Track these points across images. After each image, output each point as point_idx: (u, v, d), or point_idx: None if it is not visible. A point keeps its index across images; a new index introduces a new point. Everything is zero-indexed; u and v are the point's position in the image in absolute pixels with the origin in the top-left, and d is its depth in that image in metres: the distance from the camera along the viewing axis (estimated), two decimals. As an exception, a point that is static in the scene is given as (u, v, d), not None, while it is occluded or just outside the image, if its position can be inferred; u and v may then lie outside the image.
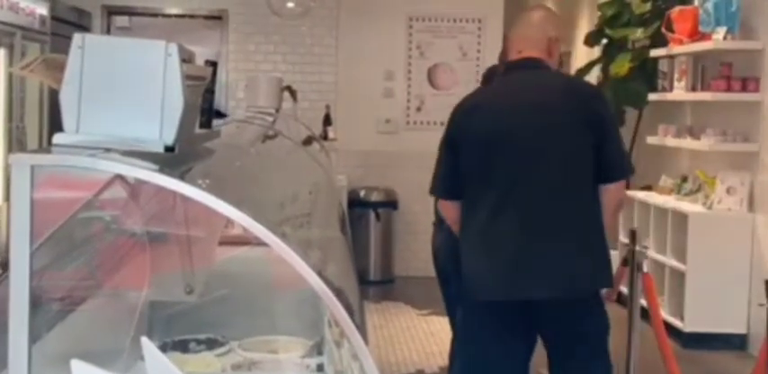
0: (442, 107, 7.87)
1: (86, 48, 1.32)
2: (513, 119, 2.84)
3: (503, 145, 2.82)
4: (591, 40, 7.24)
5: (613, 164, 2.83)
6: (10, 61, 5.34)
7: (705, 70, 5.91)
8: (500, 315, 2.86)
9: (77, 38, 1.32)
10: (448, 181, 2.94)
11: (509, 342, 2.88)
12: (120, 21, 7.85)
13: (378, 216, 7.44)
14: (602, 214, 2.84)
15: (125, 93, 1.32)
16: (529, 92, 2.88)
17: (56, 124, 1.34)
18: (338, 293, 1.30)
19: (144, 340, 1.15)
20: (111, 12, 7.79)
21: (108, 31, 7.67)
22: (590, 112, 2.80)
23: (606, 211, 2.84)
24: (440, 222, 3.71)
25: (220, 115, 3.39)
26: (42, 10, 5.99)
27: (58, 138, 1.30)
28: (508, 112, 2.86)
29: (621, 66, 6.57)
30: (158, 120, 1.31)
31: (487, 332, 2.90)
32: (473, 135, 2.87)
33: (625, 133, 6.99)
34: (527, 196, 2.79)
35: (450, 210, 2.99)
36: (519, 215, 2.78)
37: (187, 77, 1.37)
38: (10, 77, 5.35)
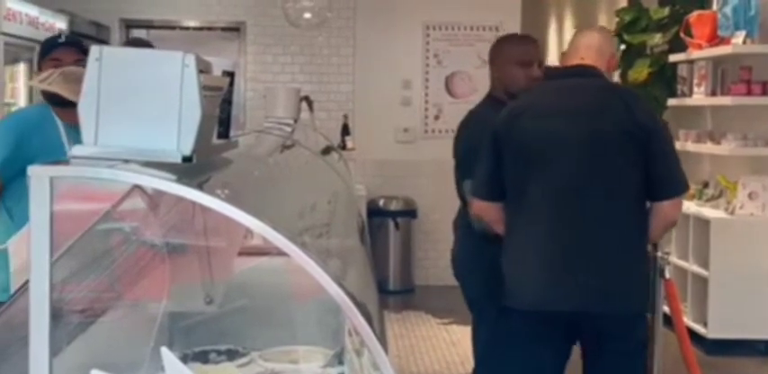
0: (459, 115, 7.79)
1: (104, 60, 1.33)
2: (560, 125, 2.79)
3: (554, 153, 2.78)
4: (608, 47, 7.21)
5: (663, 180, 2.75)
6: (30, 75, 5.39)
7: (724, 75, 5.88)
8: (534, 324, 2.83)
9: (95, 50, 1.33)
10: (491, 183, 2.92)
11: (539, 352, 2.85)
12: (138, 34, 7.90)
13: (397, 225, 7.43)
14: (649, 231, 2.78)
15: (143, 104, 1.32)
16: (583, 99, 2.84)
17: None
18: (358, 303, 1.30)
19: (164, 350, 1.14)
20: (130, 25, 7.84)
21: (126, 45, 7.72)
22: (638, 125, 2.72)
23: (654, 229, 2.79)
24: (455, 228, 3.72)
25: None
26: (61, 24, 6.05)
27: (76, 150, 1.31)
28: (555, 117, 2.82)
29: (640, 71, 6.54)
30: (176, 131, 1.31)
31: (519, 340, 2.87)
32: (519, 139, 2.84)
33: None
34: (570, 207, 2.75)
35: (493, 212, 2.96)
36: (571, 227, 2.75)
37: (204, 88, 1.37)
38: (30, 91, 5.40)
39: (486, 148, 2.92)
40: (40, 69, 3.17)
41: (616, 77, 7.15)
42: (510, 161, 2.85)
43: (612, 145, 2.73)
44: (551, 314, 2.78)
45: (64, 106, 3.09)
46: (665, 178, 2.74)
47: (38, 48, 5.50)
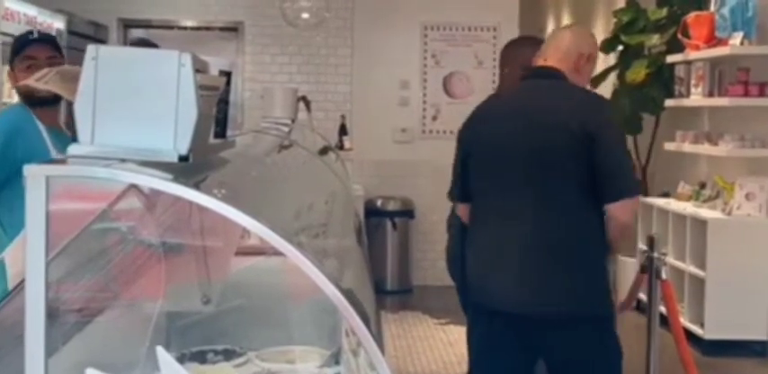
0: (457, 116, 7.84)
1: (100, 59, 1.32)
2: (514, 129, 2.81)
3: (504, 154, 2.82)
4: (606, 47, 7.21)
5: (608, 182, 2.69)
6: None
7: (722, 75, 5.88)
8: (501, 327, 2.84)
9: (91, 49, 1.33)
10: (459, 184, 3.01)
11: (505, 355, 2.86)
12: (137, 34, 7.90)
13: (394, 225, 7.43)
14: (606, 235, 2.75)
15: (139, 103, 1.32)
16: (535, 102, 2.83)
17: (73, 135, 1.34)
18: (354, 303, 1.29)
19: (159, 350, 1.14)
20: (128, 25, 7.84)
21: (124, 45, 7.72)
22: (582, 126, 2.68)
23: (610, 232, 2.75)
24: (448, 227, 3.76)
25: None
26: (59, 24, 6.05)
27: (72, 149, 1.31)
28: (509, 122, 2.84)
29: (638, 72, 6.55)
30: (172, 130, 1.31)
31: (485, 342, 2.92)
32: (479, 142, 2.92)
33: (642, 140, 6.99)
34: (524, 209, 2.75)
35: (465, 212, 3.04)
36: (519, 228, 2.75)
37: (201, 87, 1.37)
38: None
39: (456, 150, 3.04)
40: (12, 68, 3.11)
41: (612, 78, 7.16)
42: (471, 163, 2.94)
43: (558, 147, 2.71)
44: (506, 314, 2.79)
45: (42, 106, 3.06)
46: (610, 180, 2.68)
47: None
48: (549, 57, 2.89)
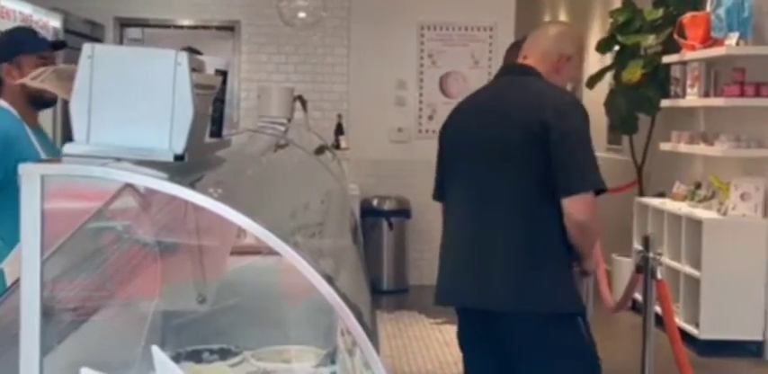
0: (453, 115, 7.89)
1: (96, 58, 1.32)
2: (476, 125, 2.79)
3: (464, 151, 2.81)
4: (603, 47, 7.23)
5: (560, 176, 2.59)
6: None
7: (718, 76, 5.89)
8: (468, 323, 2.88)
9: (87, 48, 1.33)
10: (436, 182, 3.01)
11: (478, 352, 2.88)
12: (133, 32, 7.90)
13: (390, 225, 7.43)
14: (563, 233, 2.63)
15: (135, 102, 1.32)
16: (501, 99, 2.80)
17: (69, 134, 1.34)
18: (349, 302, 1.30)
19: (154, 348, 1.14)
20: (124, 24, 7.83)
21: (121, 43, 7.72)
22: (541, 122, 2.61)
23: (568, 230, 2.63)
24: None
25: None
26: (55, 23, 6.04)
27: (68, 148, 1.31)
28: (474, 118, 2.83)
29: (633, 72, 6.55)
30: (168, 129, 1.31)
31: (461, 339, 2.96)
32: (448, 139, 2.92)
33: (638, 140, 6.99)
34: (482, 206, 2.74)
35: (443, 211, 3.04)
36: (474, 225, 2.75)
37: (197, 86, 1.37)
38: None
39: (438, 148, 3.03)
40: (13, 64, 3.05)
41: (608, 78, 7.16)
42: (443, 160, 2.95)
43: (514, 142, 2.67)
44: (467, 311, 2.83)
45: (46, 107, 3.04)
46: (563, 174, 2.59)
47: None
48: (529, 56, 2.87)
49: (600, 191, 2.66)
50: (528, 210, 2.66)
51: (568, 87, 2.99)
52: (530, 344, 2.69)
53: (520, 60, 2.91)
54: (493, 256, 2.68)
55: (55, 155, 2.95)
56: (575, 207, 2.59)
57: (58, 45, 3.17)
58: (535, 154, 2.62)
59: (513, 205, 2.68)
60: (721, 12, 5.55)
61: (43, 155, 2.89)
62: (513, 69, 2.94)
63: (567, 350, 2.70)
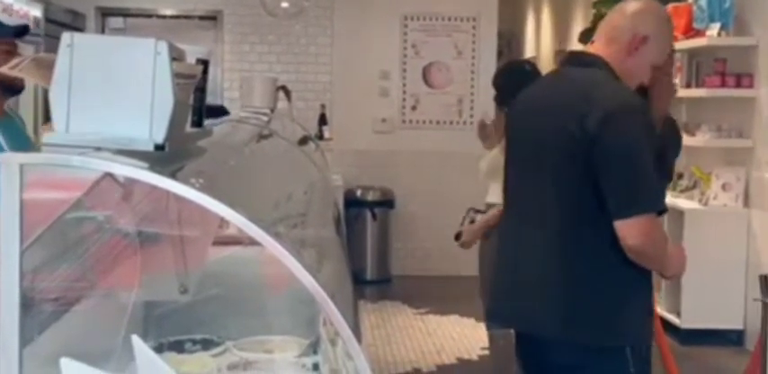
0: (437, 106, 7.89)
1: (75, 46, 1.31)
2: (521, 127, 2.51)
3: (513, 156, 2.55)
4: (585, 38, 7.24)
5: (608, 197, 2.26)
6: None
7: (699, 66, 5.92)
8: (519, 343, 2.62)
9: (66, 36, 1.32)
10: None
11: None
12: (115, 22, 7.84)
13: (374, 215, 7.43)
14: (617, 256, 2.30)
15: (115, 91, 1.31)
16: (548, 98, 2.45)
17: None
18: (331, 292, 1.29)
19: (134, 338, 1.14)
20: (106, 13, 7.78)
21: (102, 33, 7.67)
22: (584, 129, 2.26)
23: (627, 254, 2.29)
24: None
25: (224, 112, 3.34)
26: (36, 12, 5.98)
27: (47, 138, 1.30)
28: (521, 119, 2.54)
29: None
30: (148, 119, 1.31)
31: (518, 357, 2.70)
32: (508, 135, 2.66)
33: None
34: (521, 223, 2.47)
35: None
36: (514, 243, 2.50)
37: (177, 75, 1.36)
38: (3, 79, 5.33)
39: None
40: None
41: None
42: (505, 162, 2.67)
43: (556, 155, 2.34)
44: (517, 333, 2.60)
45: (17, 94, 3.01)
46: (611, 196, 2.26)
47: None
48: (596, 40, 2.47)
49: (661, 211, 2.34)
50: (568, 231, 2.34)
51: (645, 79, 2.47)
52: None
53: (588, 46, 2.53)
54: (533, 280, 2.41)
55: (24, 144, 2.94)
56: (627, 231, 2.25)
57: (20, 31, 3.13)
58: (577, 167, 2.29)
59: (552, 225, 2.36)
60: (703, 2, 5.57)
61: (5, 145, 2.87)
62: (571, 58, 2.54)
63: None
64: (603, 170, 2.26)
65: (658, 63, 2.47)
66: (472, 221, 4.11)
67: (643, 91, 2.82)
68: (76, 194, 1.32)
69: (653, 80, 2.73)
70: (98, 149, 1.28)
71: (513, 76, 3.95)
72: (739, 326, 5.46)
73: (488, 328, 4.17)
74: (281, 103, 5.58)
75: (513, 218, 2.52)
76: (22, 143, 2.98)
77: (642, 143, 2.28)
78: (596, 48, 2.46)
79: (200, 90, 1.66)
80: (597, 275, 2.34)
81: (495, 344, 4.20)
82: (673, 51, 2.81)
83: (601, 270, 2.34)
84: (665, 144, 2.80)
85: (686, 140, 5.88)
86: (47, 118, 3.09)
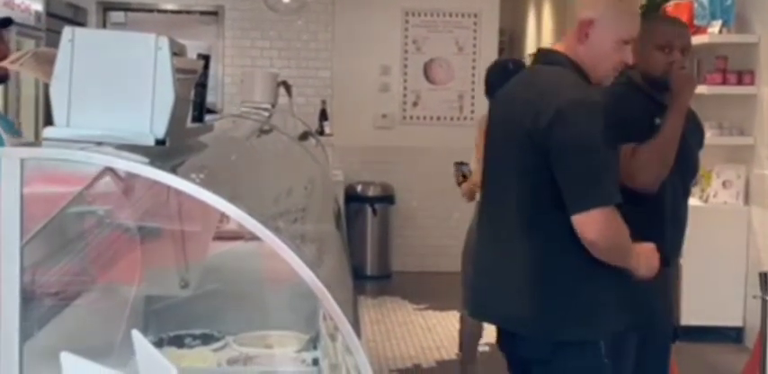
0: (438, 102, 7.88)
1: (76, 41, 1.31)
2: (495, 121, 2.55)
3: (487, 151, 2.58)
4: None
5: (568, 194, 2.26)
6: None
7: (700, 64, 5.91)
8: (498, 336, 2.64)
9: (67, 31, 1.32)
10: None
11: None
12: (116, 16, 7.84)
13: (374, 211, 7.44)
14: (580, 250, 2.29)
15: (115, 86, 1.31)
16: (513, 95, 2.48)
17: (51, 119, 1.33)
18: (331, 287, 1.30)
19: (134, 333, 1.14)
20: (107, 7, 7.77)
21: (104, 27, 7.66)
22: (543, 129, 2.27)
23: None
24: None
25: (209, 112, 3.38)
26: (38, 6, 5.98)
27: (48, 132, 1.30)
28: (495, 114, 2.58)
29: (617, 59, 6.57)
30: (149, 114, 1.31)
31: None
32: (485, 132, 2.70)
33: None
34: (490, 217, 2.51)
35: None
36: (485, 236, 2.54)
37: (178, 70, 1.36)
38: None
39: None
40: None
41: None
42: None
43: (515, 151, 2.37)
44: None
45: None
46: (565, 190, 2.26)
47: (13, 29, 5.44)
48: (562, 35, 2.59)
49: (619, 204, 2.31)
50: (530, 225, 2.36)
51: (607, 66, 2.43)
52: (536, 367, 2.43)
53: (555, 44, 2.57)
54: (501, 275, 2.44)
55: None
56: (582, 226, 2.25)
57: (4, 22, 3.13)
58: (536, 162, 2.30)
59: (516, 218, 2.38)
60: (704, 0, 5.56)
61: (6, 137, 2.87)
62: (539, 56, 2.57)
63: None
64: (558, 165, 2.27)
65: (622, 44, 2.40)
66: (464, 176, 4.47)
67: (658, 84, 2.83)
68: (77, 189, 1.32)
69: (672, 75, 2.76)
70: (99, 144, 1.28)
71: (497, 74, 4.20)
72: (739, 323, 5.46)
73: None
74: (282, 99, 5.59)
75: (485, 214, 2.56)
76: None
77: (594, 137, 2.27)
78: (560, 44, 2.47)
79: (201, 85, 1.66)
80: (559, 269, 2.35)
81: (464, 324, 4.61)
82: (685, 48, 2.83)
83: (563, 264, 2.34)
84: (688, 138, 2.84)
85: (687, 137, 5.90)
86: (47, 114, 3.09)
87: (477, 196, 3.96)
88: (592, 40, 2.38)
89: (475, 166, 4.41)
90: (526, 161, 2.34)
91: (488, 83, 4.38)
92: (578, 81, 2.38)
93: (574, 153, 2.27)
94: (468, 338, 4.61)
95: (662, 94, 2.87)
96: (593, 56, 2.40)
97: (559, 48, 2.47)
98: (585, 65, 2.41)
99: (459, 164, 4.53)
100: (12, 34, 5.37)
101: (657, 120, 2.80)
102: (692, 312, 5.48)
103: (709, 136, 5.60)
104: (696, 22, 5.70)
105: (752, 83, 5.45)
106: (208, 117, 1.86)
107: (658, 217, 2.86)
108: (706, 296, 5.46)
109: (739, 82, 5.48)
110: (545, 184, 2.29)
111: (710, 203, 5.59)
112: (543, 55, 2.56)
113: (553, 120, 2.26)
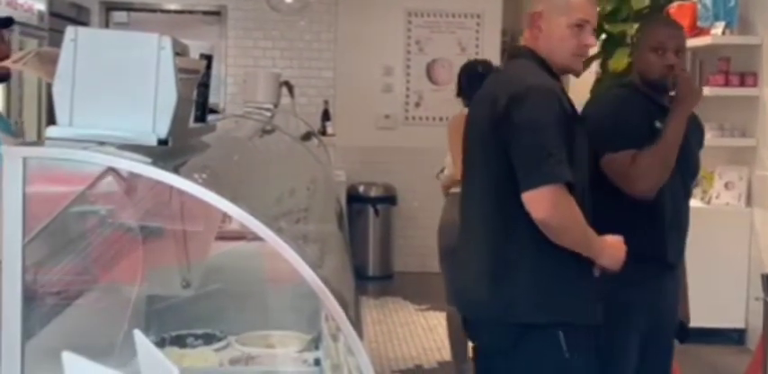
0: (440, 102, 7.88)
1: (79, 41, 1.31)
2: (469, 123, 2.60)
3: (464, 150, 2.61)
4: (589, 35, 7.23)
5: (519, 173, 2.31)
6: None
7: (703, 65, 5.91)
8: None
9: (70, 31, 1.32)
10: None
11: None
12: (119, 16, 7.84)
13: (377, 211, 7.43)
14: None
15: (118, 86, 1.31)
16: (482, 92, 2.54)
17: (53, 119, 1.33)
18: (333, 288, 1.30)
19: (136, 332, 1.14)
20: (110, 7, 7.78)
21: (106, 27, 7.67)
22: (500, 116, 2.34)
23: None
24: None
25: (212, 112, 3.39)
26: (40, 6, 5.99)
27: (50, 132, 1.30)
28: (470, 108, 2.66)
29: (620, 61, 6.55)
30: (151, 114, 1.31)
31: None
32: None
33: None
34: (465, 205, 2.57)
35: None
36: (462, 223, 2.57)
37: (181, 70, 1.36)
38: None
39: None
40: None
41: (595, 67, 7.17)
42: None
43: (479, 139, 2.46)
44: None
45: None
46: (517, 170, 2.32)
47: (16, 29, 5.45)
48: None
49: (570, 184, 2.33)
50: (492, 212, 2.42)
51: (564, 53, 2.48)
52: (497, 358, 2.46)
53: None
54: (469, 258, 2.50)
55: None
56: (531, 203, 2.28)
57: (5, 22, 3.12)
58: (497, 150, 2.36)
59: (480, 207, 2.47)
60: (708, 1, 5.56)
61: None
62: (508, 52, 2.74)
63: (539, 368, 2.41)
64: (512, 146, 2.32)
65: (575, 28, 2.44)
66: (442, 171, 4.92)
67: (656, 86, 2.83)
68: (79, 188, 1.32)
69: (679, 81, 2.78)
70: (101, 144, 1.28)
71: (468, 76, 4.50)
72: (741, 325, 5.45)
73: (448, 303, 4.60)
74: (285, 99, 5.59)
75: (461, 208, 2.60)
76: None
77: (546, 118, 2.32)
78: (524, 39, 2.56)
79: (204, 85, 1.66)
80: (517, 255, 2.37)
81: (451, 323, 4.65)
82: (679, 49, 2.83)
83: (521, 249, 2.36)
84: (689, 137, 2.84)
85: (689, 139, 5.90)
86: (50, 113, 3.09)
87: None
88: (545, 31, 2.46)
89: (448, 169, 4.79)
90: (488, 150, 2.40)
91: (459, 84, 4.63)
92: (536, 70, 2.44)
93: (525, 132, 2.31)
94: (457, 336, 4.62)
95: (661, 96, 2.88)
96: (552, 45, 2.46)
97: (523, 42, 2.56)
98: (546, 54, 2.47)
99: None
100: (13, 34, 5.38)
101: (657, 124, 2.80)
102: (693, 314, 5.46)
103: (712, 137, 5.61)
104: (699, 23, 5.70)
105: (754, 84, 5.45)
106: (210, 117, 1.86)
107: (658, 219, 2.85)
108: (708, 297, 5.45)
109: (742, 83, 5.48)
110: (505, 172, 2.34)
111: (713, 205, 5.59)
112: (510, 51, 2.66)
113: (509, 104, 2.33)
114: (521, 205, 2.30)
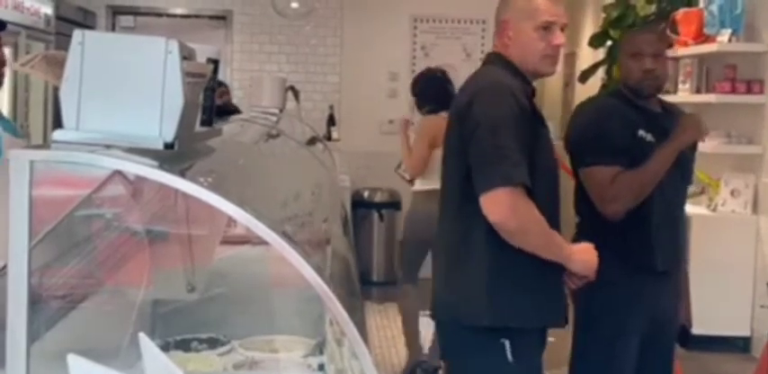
0: (446, 108, 7.89)
1: (86, 44, 1.32)
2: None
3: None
4: (595, 42, 7.23)
5: (474, 174, 2.29)
6: (14, 60, 5.33)
7: (709, 72, 5.90)
8: None
9: (77, 34, 1.32)
10: None
11: None
12: (125, 20, 7.87)
13: (381, 216, 7.43)
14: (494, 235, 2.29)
15: (125, 89, 1.32)
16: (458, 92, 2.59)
17: (60, 122, 1.34)
18: (337, 292, 1.30)
19: (141, 336, 1.14)
20: (116, 12, 7.80)
21: (113, 31, 7.69)
22: (460, 116, 2.35)
23: None
24: None
25: (235, 112, 3.37)
26: (47, 9, 6.01)
27: (57, 135, 1.30)
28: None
29: (626, 67, 6.56)
30: (158, 117, 1.31)
31: None
32: None
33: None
34: (440, 199, 2.54)
35: None
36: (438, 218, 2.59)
37: (187, 74, 1.37)
38: (14, 76, 5.36)
39: None
40: None
41: (600, 73, 7.17)
42: None
43: (447, 142, 2.45)
44: None
45: None
46: (473, 170, 2.29)
47: (23, 33, 5.47)
48: None
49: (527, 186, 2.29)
50: (456, 211, 2.41)
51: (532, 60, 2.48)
52: (450, 358, 2.49)
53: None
54: (435, 258, 2.54)
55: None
56: (487, 206, 2.24)
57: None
58: (459, 151, 2.36)
59: (445, 205, 2.47)
60: (714, 8, 5.56)
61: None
62: (484, 58, 2.66)
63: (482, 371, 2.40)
64: (470, 147, 2.31)
65: (542, 30, 2.43)
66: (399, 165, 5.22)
67: (636, 92, 2.86)
68: (86, 191, 1.33)
69: (684, 116, 2.88)
70: (108, 147, 1.28)
71: (426, 80, 4.83)
72: (746, 333, 5.43)
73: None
74: (290, 104, 5.60)
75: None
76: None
77: (504, 118, 2.29)
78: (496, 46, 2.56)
79: (211, 89, 1.66)
80: (476, 253, 2.34)
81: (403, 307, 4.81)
82: (657, 53, 2.87)
83: (479, 247, 2.33)
84: (684, 151, 2.89)
85: (695, 145, 5.89)
86: (57, 116, 3.09)
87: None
88: (514, 38, 2.45)
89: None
90: (453, 147, 2.39)
91: (415, 85, 4.97)
92: (501, 72, 2.44)
93: (482, 132, 2.29)
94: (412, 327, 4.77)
95: (646, 102, 2.92)
96: (522, 51, 2.45)
97: (493, 49, 2.57)
98: (518, 60, 2.46)
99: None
100: (19, 38, 5.40)
101: (641, 132, 2.82)
102: (698, 321, 5.43)
103: (718, 144, 5.60)
104: (706, 30, 5.69)
105: (761, 92, 5.44)
106: (231, 117, 1.86)
107: (645, 226, 2.83)
108: (713, 305, 5.44)
109: (748, 91, 5.47)
110: (464, 173, 2.32)
111: (718, 212, 5.57)
112: (485, 58, 2.62)
113: (470, 102, 2.33)
114: (478, 207, 2.27)
